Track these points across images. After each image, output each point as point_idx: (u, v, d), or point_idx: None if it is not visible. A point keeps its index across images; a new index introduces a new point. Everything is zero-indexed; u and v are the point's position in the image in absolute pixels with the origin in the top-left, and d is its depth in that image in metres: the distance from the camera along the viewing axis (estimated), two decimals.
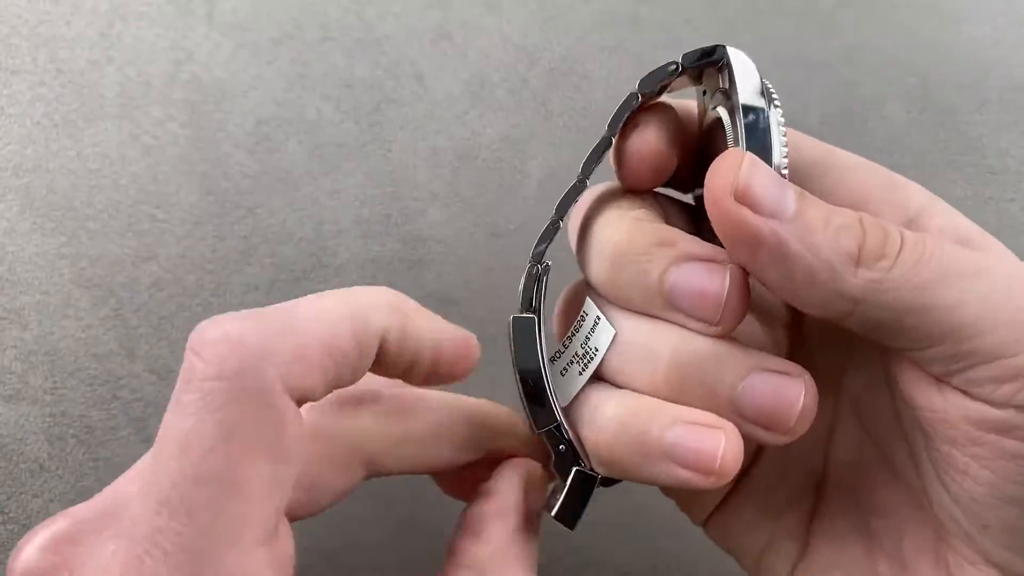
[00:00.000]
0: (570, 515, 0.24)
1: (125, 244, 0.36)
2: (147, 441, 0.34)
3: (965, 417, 0.21)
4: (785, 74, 0.40)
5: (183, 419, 0.19)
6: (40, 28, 0.37)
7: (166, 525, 0.19)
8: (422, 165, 0.38)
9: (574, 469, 0.24)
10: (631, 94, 0.23)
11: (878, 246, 0.21)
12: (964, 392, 0.21)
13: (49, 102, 0.37)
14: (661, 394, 0.22)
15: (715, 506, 0.26)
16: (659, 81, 0.23)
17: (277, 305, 0.21)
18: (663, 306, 0.22)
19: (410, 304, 0.23)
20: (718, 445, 0.21)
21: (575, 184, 0.24)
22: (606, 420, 0.23)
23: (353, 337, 0.21)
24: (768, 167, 0.21)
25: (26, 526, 0.34)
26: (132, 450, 0.34)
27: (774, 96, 0.22)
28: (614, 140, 0.24)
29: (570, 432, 0.23)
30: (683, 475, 0.22)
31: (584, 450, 0.23)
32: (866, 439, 0.25)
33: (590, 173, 0.24)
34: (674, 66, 0.23)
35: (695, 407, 0.22)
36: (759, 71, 0.23)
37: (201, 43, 0.38)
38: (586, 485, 0.24)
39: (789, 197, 0.21)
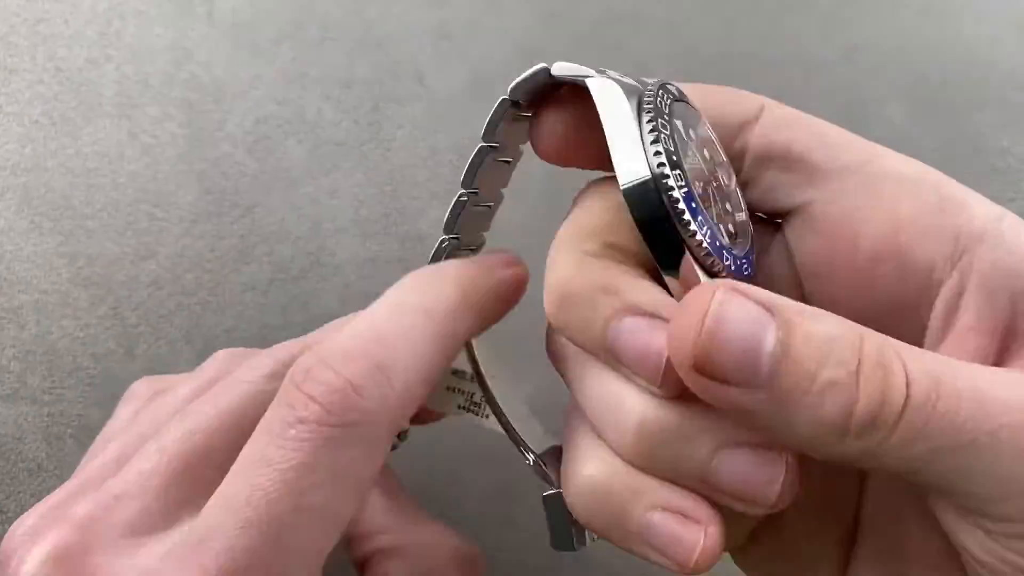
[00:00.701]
0: (564, 540, 0.23)
1: (123, 243, 0.36)
2: None
3: (990, 552, 0.19)
4: (785, 74, 0.40)
5: (288, 452, 0.20)
6: (39, 26, 0.37)
7: (249, 544, 0.20)
8: (422, 165, 0.38)
9: (543, 495, 0.23)
10: (502, 100, 0.21)
11: (872, 411, 0.17)
12: (987, 533, 0.19)
13: (47, 100, 0.37)
14: (631, 459, 0.20)
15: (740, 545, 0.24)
16: (529, 89, 0.21)
17: (376, 326, 0.21)
18: (610, 360, 0.20)
19: (477, 280, 0.23)
20: (696, 543, 0.19)
21: (456, 200, 0.23)
22: (583, 482, 0.21)
23: (446, 361, 0.21)
24: (743, 309, 0.18)
25: None
26: None
27: (646, 106, 0.19)
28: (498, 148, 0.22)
29: (541, 462, 0.23)
30: (657, 559, 0.20)
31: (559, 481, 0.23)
32: (899, 486, 0.22)
33: (471, 184, 0.23)
34: (544, 73, 0.21)
35: (667, 478, 0.20)
36: (627, 97, 0.20)
37: (200, 42, 0.38)
38: (559, 504, 0.22)
39: (763, 357, 0.17)
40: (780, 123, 0.22)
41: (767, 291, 0.18)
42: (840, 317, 0.19)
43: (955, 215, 0.20)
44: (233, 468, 0.21)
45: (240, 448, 0.21)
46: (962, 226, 0.20)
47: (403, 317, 0.21)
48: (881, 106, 0.39)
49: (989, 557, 0.19)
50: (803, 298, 0.22)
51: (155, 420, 0.25)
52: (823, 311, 0.19)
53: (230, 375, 0.24)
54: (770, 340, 0.17)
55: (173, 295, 0.36)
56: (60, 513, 0.23)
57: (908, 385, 0.17)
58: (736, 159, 0.22)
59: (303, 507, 0.20)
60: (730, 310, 0.18)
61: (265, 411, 0.21)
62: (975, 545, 0.19)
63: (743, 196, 0.22)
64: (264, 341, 0.27)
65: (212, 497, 0.21)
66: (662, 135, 0.19)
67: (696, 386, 0.18)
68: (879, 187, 0.21)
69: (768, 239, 0.23)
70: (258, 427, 0.21)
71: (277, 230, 0.37)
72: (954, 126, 0.39)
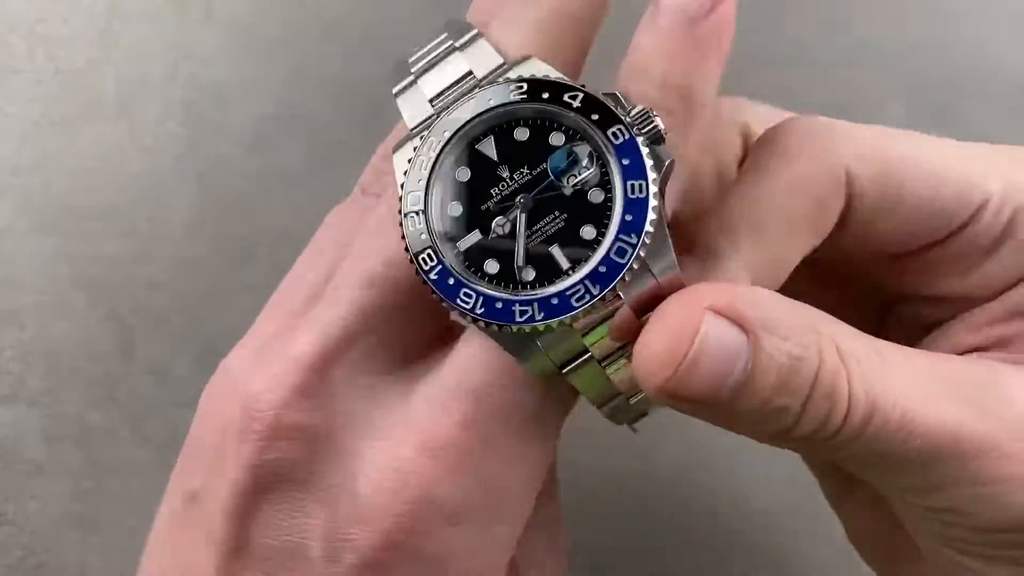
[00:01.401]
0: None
1: (123, 244, 0.36)
2: (145, 442, 0.34)
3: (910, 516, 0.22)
4: (785, 74, 0.40)
5: None
6: (38, 27, 0.37)
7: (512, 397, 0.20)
8: None
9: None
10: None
11: (808, 433, 0.20)
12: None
13: (47, 101, 0.37)
14: None
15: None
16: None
17: None
18: None
19: None
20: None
21: None
22: None
23: None
24: (723, 338, 0.18)
25: (24, 528, 0.34)
26: (130, 451, 0.34)
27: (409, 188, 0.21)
28: None
29: None
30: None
31: None
32: None
33: None
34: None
35: None
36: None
37: (200, 42, 0.38)
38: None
39: (727, 385, 0.19)
40: None
41: (745, 292, 0.19)
42: (811, 322, 0.20)
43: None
44: None
45: None
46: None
47: None
48: (881, 106, 0.39)
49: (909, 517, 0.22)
50: None
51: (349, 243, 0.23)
52: (799, 313, 0.20)
53: None
54: (738, 371, 0.19)
55: (172, 296, 0.36)
56: (284, 351, 0.21)
57: (847, 413, 0.19)
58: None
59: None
60: (711, 342, 0.18)
61: None
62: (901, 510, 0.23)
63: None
64: None
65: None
66: (408, 217, 0.20)
67: (660, 397, 0.19)
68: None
69: None
70: None
71: (277, 230, 0.36)
72: (954, 126, 0.39)
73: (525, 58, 0.21)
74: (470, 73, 0.22)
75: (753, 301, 0.19)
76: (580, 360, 0.20)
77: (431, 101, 0.22)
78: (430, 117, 0.21)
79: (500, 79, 0.21)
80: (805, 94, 0.39)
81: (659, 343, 0.19)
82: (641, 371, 0.19)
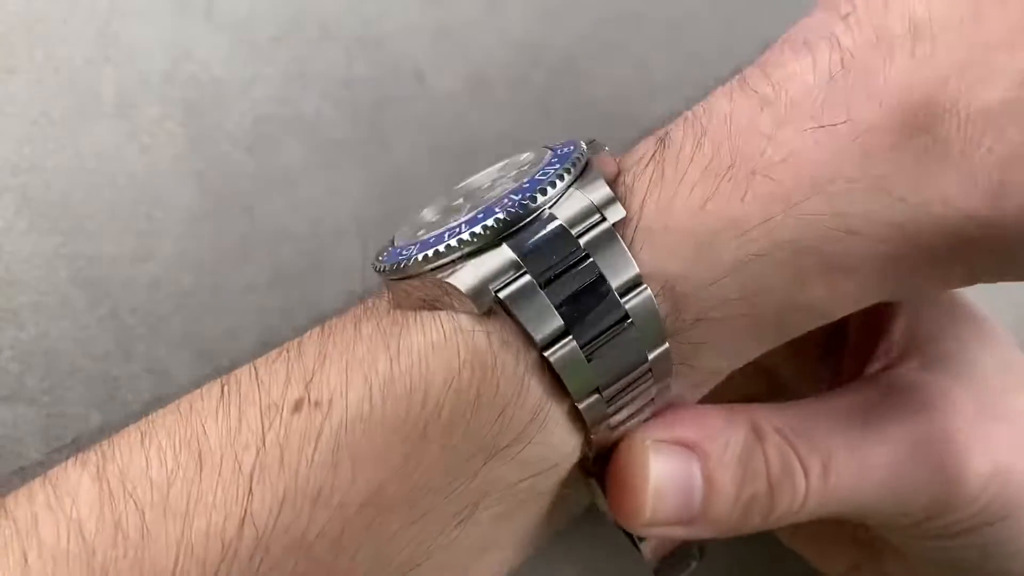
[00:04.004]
0: None
1: (122, 244, 0.36)
2: None
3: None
4: None
5: None
6: (37, 26, 0.37)
7: None
8: (422, 165, 0.38)
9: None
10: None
11: (783, 514, 0.21)
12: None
13: (46, 100, 0.36)
14: None
15: None
16: None
17: None
18: None
19: None
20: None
21: None
22: None
23: None
24: (672, 460, 0.20)
25: None
26: None
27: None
28: None
29: None
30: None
31: None
32: None
33: None
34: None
35: None
36: None
37: (199, 41, 0.38)
38: None
39: (694, 495, 0.20)
40: None
41: (681, 414, 0.21)
42: (739, 420, 0.21)
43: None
44: None
45: None
46: None
47: None
48: None
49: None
50: None
51: None
52: (725, 416, 0.21)
53: None
54: (697, 479, 0.20)
55: (172, 296, 0.36)
56: None
57: (806, 477, 0.21)
58: None
59: None
60: (664, 467, 0.20)
61: None
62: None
63: None
64: (265, 343, 0.27)
65: None
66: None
67: (647, 534, 0.21)
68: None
69: None
70: None
71: (277, 230, 0.36)
72: None
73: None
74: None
75: (686, 418, 0.21)
76: None
77: None
78: None
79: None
80: None
81: (619, 496, 0.20)
82: (623, 519, 0.21)
